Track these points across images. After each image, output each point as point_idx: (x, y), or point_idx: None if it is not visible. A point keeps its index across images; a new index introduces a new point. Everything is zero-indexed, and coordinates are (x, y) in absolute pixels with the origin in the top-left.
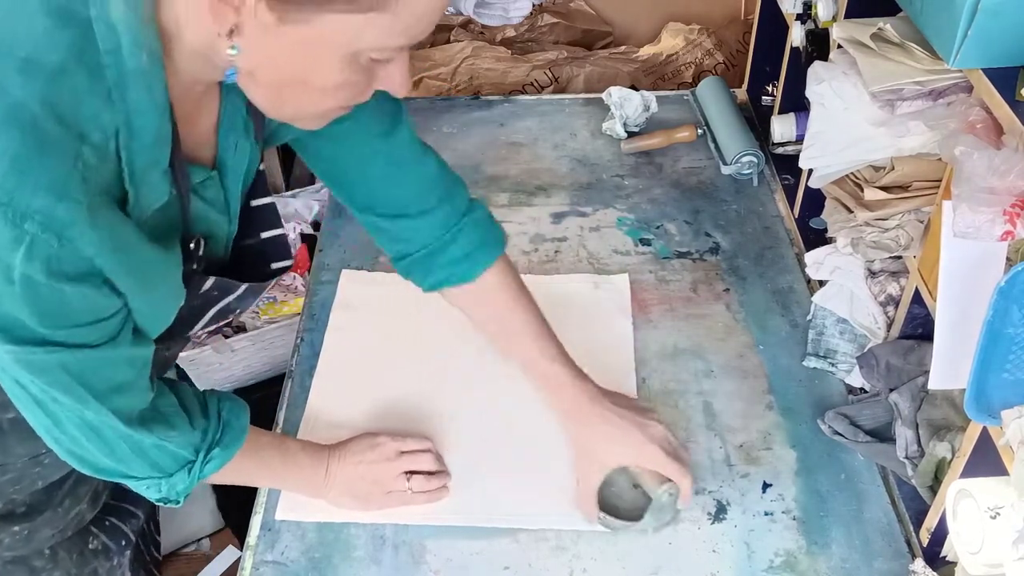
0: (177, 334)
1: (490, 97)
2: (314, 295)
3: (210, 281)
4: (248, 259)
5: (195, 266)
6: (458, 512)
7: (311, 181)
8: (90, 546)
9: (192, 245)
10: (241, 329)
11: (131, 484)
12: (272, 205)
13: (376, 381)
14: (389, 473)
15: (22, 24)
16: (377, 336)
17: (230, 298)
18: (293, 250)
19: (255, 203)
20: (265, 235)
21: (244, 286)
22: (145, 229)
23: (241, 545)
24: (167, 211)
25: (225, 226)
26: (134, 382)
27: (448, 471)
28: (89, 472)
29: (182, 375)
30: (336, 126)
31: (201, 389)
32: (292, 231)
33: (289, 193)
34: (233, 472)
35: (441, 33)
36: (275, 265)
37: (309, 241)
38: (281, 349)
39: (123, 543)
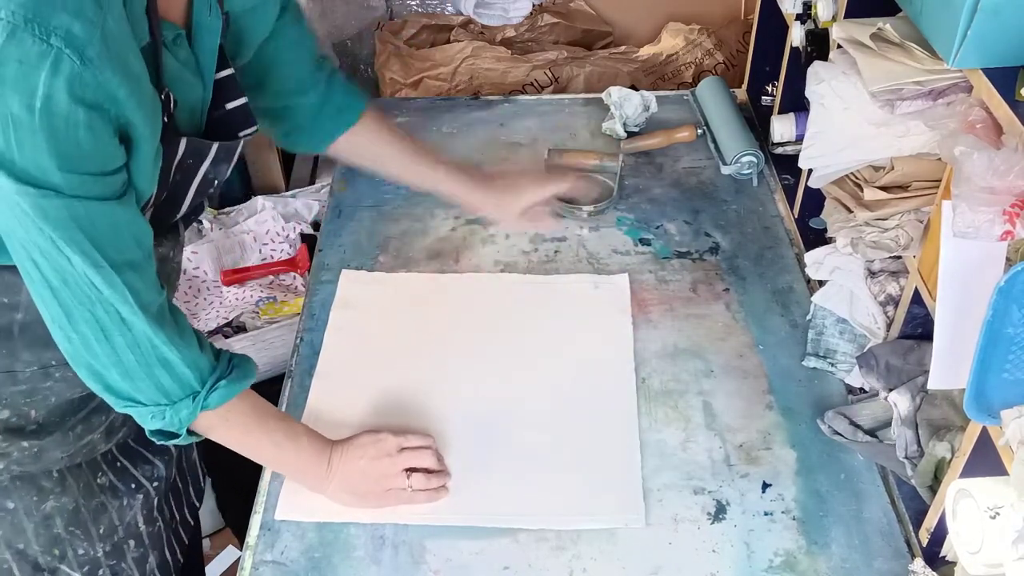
0: (166, 218)
1: (490, 97)
2: (314, 295)
3: (183, 142)
4: (216, 129)
5: (166, 119)
6: (458, 512)
7: (311, 181)
8: (98, 480)
9: (163, 97)
10: (241, 329)
11: (136, 412)
12: (232, 76)
13: (376, 381)
14: (390, 469)
15: None
16: (377, 336)
17: (205, 164)
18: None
19: (216, 76)
20: (230, 105)
21: (215, 145)
22: None
23: (241, 545)
24: (143, 59)
25: (199, 90)
26: (144, 265)
27: (448, 471)
28: (98, 389)
29: None
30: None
31: None
32: (292, 231)
33: (289, 193)
34: (238, 431)
35: (441, 33)
36: (241, 133)
37: (309, 241)
38: (281, 349)
39: (132, 486)
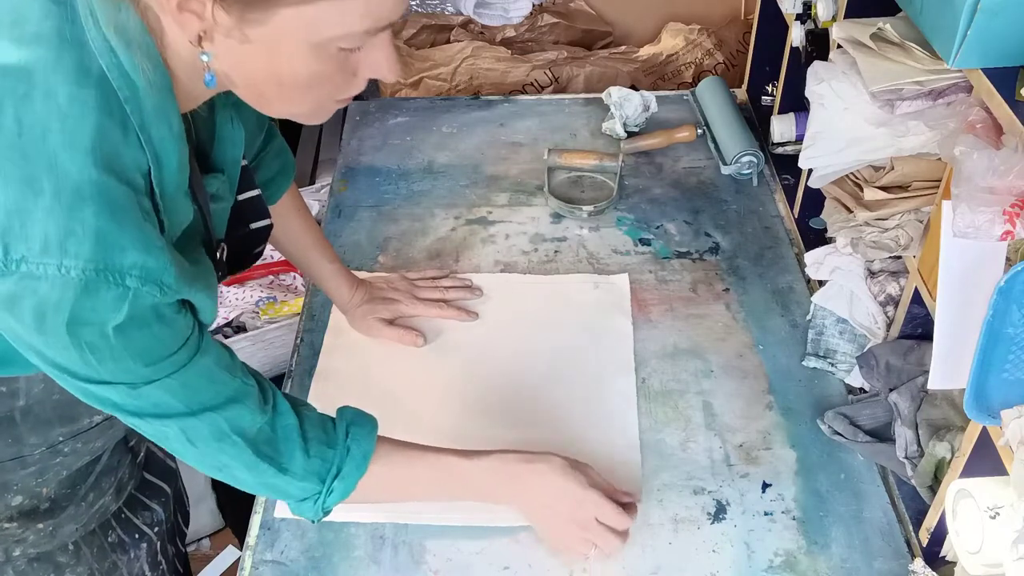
0: None
1: (490, 97)
2: (314, 295)
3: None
4: (230, 221)
5: (221, 273)
6: (458, 512)
7: (311, 181)
8: (109, 539)
9: (219, 254)
10: (241, 329)
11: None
12: (245, 168)
13: (375, 381)
14: (575, 533)
15: (46, 101)
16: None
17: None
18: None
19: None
20: (241, 197)
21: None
22: (178, 252)
23: (241, 545)
24: (189, 228)
25: (230, 204)
26: (243, 390)
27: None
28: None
29: None
30: None
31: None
32: None
33: None
34: (377, 496)
35: (441, 33)
36: (253, 225)
37: None
38: (281, 349)
39: (136, 536)
